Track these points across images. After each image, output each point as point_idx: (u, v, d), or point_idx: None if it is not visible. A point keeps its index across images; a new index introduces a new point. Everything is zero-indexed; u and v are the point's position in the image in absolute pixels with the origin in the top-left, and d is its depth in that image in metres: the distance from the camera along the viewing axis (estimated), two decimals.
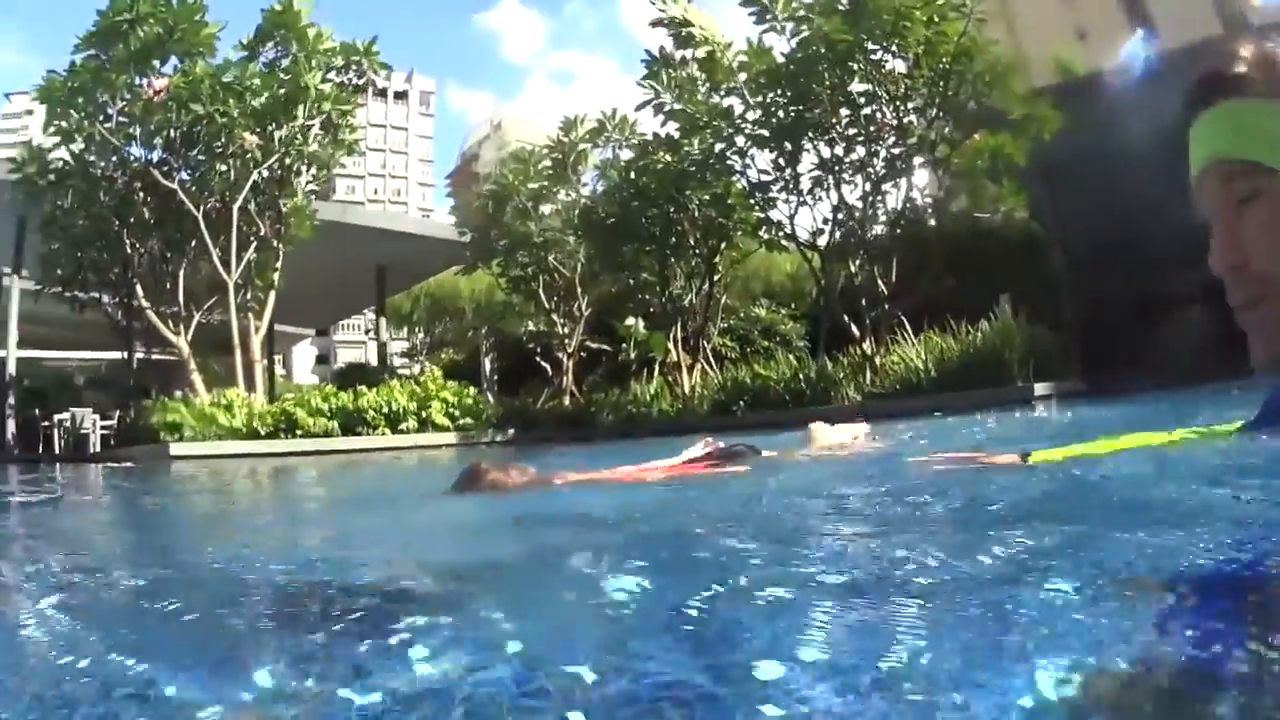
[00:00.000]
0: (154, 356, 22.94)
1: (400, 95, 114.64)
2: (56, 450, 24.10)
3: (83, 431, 24.07)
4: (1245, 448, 2.27)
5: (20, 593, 2.31)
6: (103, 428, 23.81)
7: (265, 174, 20.96)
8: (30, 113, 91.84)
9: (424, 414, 19.82)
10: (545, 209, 24.26)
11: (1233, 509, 1.84)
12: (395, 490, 7.88)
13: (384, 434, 19.10)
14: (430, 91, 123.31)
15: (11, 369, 23.43)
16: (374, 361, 32.38)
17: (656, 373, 21.38)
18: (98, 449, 22.75)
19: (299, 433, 18.41)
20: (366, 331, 62.26)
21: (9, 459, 21.41)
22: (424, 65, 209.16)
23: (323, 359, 68.90)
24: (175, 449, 17.18)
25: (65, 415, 24.70)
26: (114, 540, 4.48)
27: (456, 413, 20.24)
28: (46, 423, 24.80)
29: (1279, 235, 1.35)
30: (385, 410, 19.42)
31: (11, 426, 23.37)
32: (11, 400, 23.43)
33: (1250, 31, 1.56)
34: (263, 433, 18.25)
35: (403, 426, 19.40)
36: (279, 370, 33.51)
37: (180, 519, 6.05)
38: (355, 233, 25.38)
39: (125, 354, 23.63)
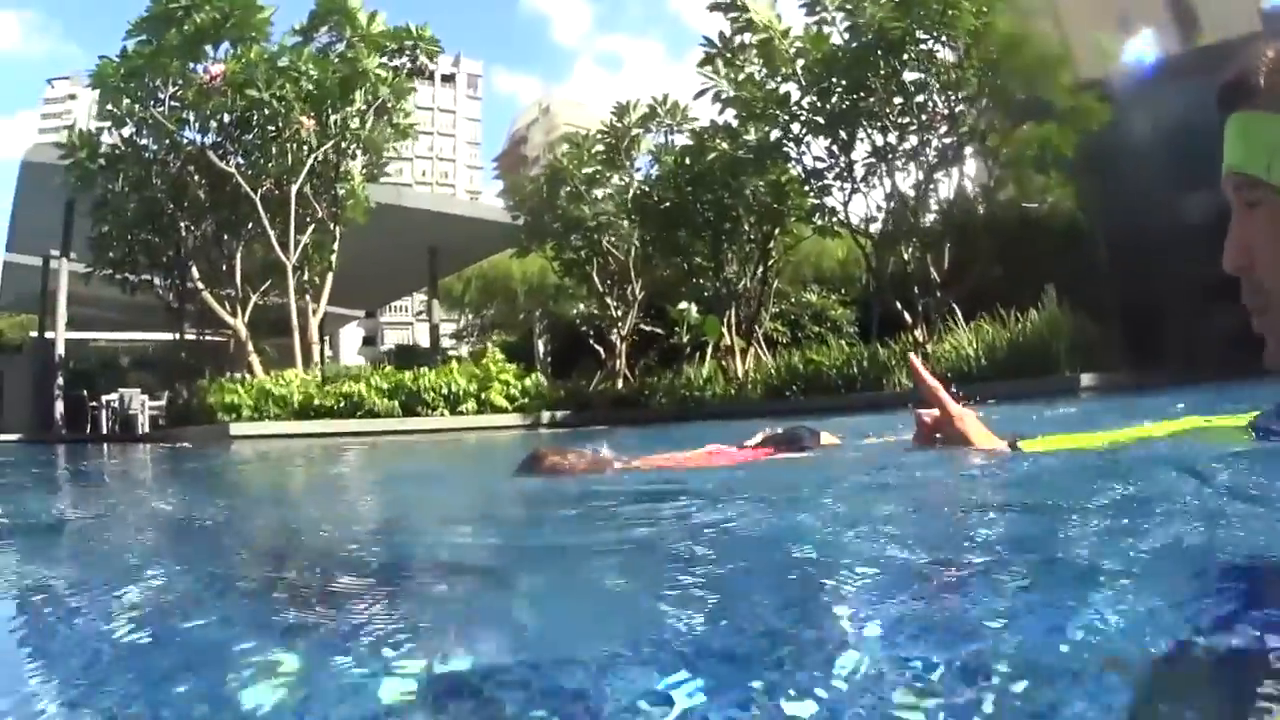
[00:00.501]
0: (205, 338, 23.01)
1: (448, 78, 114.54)
2: (104, 431, 24.32)
3: (130, 412, 24.33)
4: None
5: None
6: (151, 408, 24.09)
7: (321, 157, 21.08)
8: (74, 97, 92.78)
9: (483, 396, 19.95)
10: (598, 193, 24.33)
11: None
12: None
13: (443, 415, 19.23)
14: (478, 74, 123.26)
15: (60, 350, 23.80)
16: (422, 342, 32.52)
17: (709, 356, 21.45)
18: (146, 429, 22.99)
19: (360, 413, 18.55)
20: (418, 314, 62.49)
21: (57, 439, 21.67)
22: (471, 48, 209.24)
23: (369, 340, 69.13)
24: (235, 429, 17.13)
25: (113, 396, 24.91)
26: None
27: (515, 394, 20.36)
28: (94, 403, 25.05)
29: (1276, 245, 1.41)
30: (444, 392, 19.57)
31: (59, 407, 23.73)
32: (60, 381, 23.79)
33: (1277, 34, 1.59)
34: (320, 407, 18.40)
35: (461, 408, 19.50)
36: (327, 351, 33.73)
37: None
38: (408, 215, 25.49)
39: (176, 335, 23.60)
